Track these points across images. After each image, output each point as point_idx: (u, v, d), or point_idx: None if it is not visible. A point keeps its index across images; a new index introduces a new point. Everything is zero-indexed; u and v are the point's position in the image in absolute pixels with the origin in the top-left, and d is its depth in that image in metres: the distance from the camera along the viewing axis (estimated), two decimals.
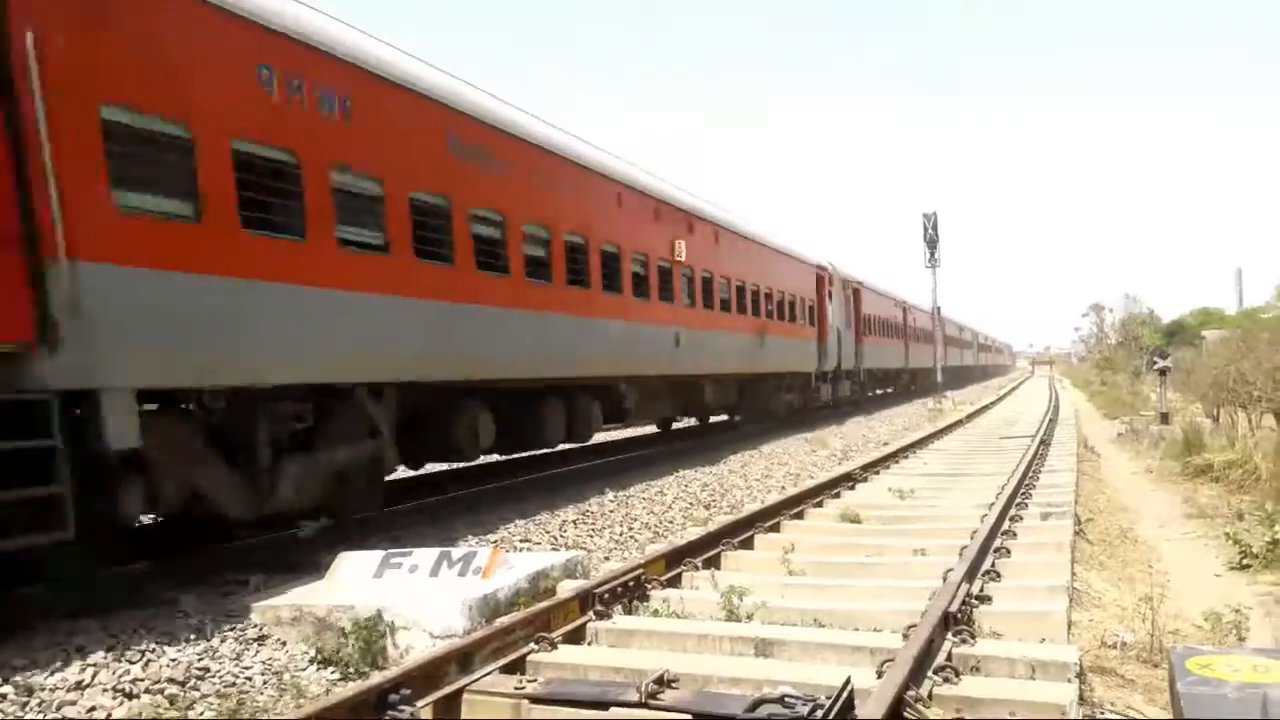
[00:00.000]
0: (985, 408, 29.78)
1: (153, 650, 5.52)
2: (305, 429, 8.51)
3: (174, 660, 5.40)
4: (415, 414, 10.07)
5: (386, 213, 8.83)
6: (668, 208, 15.99)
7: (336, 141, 8.30)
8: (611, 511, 10.38)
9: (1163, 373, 23.64)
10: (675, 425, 22.07)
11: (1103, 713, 4.52)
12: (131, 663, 5.32)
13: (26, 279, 5.69)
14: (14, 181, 5.64)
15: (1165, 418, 21.45)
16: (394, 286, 8.92)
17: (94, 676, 5.09)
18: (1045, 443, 16.14)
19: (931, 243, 38.86)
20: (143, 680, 5.11)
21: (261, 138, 7.54)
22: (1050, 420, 22.01)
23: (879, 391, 38.21)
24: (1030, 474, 11.50)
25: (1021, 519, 8.61)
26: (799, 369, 24.28)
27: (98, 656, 5.34)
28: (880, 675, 4.26)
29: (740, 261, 19.81)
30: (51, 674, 5.10)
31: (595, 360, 13.10)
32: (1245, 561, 8.20)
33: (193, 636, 5.81)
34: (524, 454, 13.43)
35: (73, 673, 5.11)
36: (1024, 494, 9.90)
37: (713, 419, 22.21)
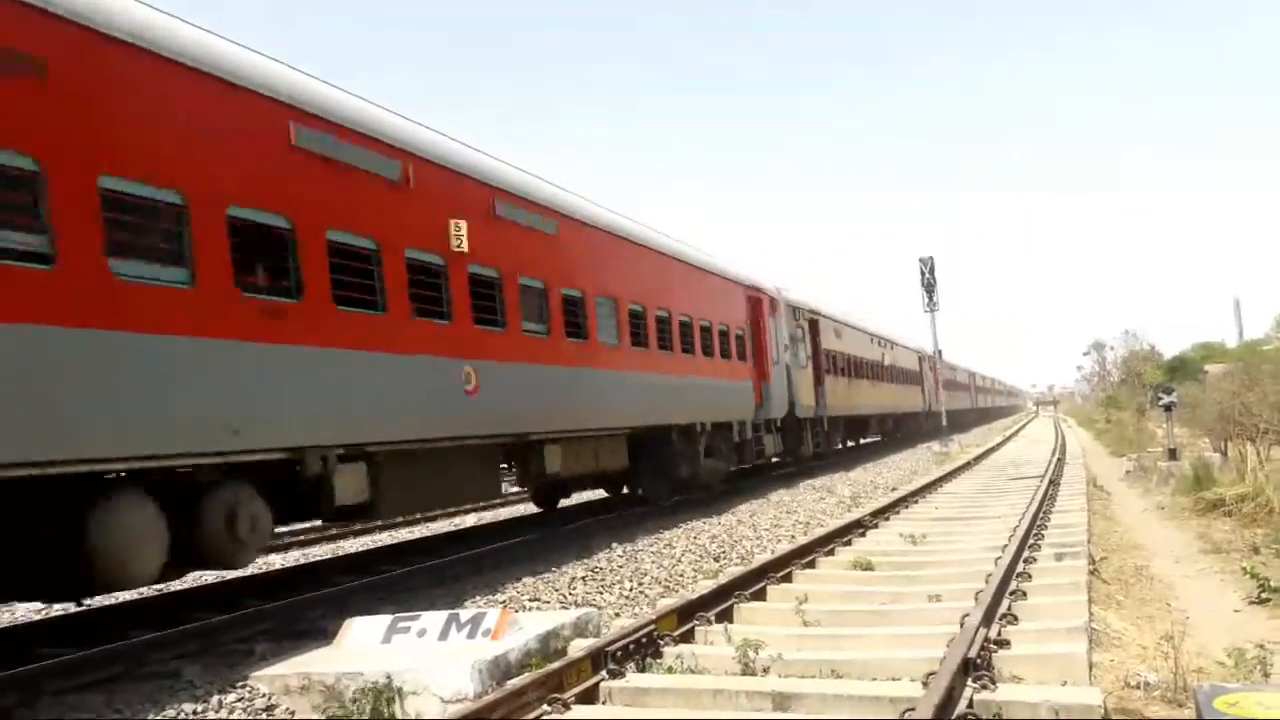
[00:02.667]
0: (992, 449, 29.65)
1: None
2: None
3: None
4: None
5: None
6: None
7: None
8: (620, 567, 10.28)
9: (1168, 408, 23.56)
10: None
11: None
12: None
13: None
14: None
15: (1173, 453, 21.32)
16: None
17: None
18: (1054, 482, 16.04)
19: (929, 287, 38.79)
20: None
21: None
22: (1058, 459, 21.90)
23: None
24: (1041, 514, 11.40)
25: (1035, 560, 8.52)
26: (725, 416, 17.94)
27: None
28: None
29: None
30: None
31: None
32: (1264, 596, 8.09)
33: (199, 710, 5.71)
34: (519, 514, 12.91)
35: None
36: (1036, 534, 9.81)
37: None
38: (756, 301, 20.62)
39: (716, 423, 17.35)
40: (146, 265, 6.91)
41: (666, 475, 15.80)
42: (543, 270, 11.97)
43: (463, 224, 10.22)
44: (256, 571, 12.90)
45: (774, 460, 22.30)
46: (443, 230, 10.04)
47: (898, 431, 40.70)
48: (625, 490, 16.71)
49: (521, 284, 11.40)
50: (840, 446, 29.95)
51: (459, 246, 10.16)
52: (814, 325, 25.66)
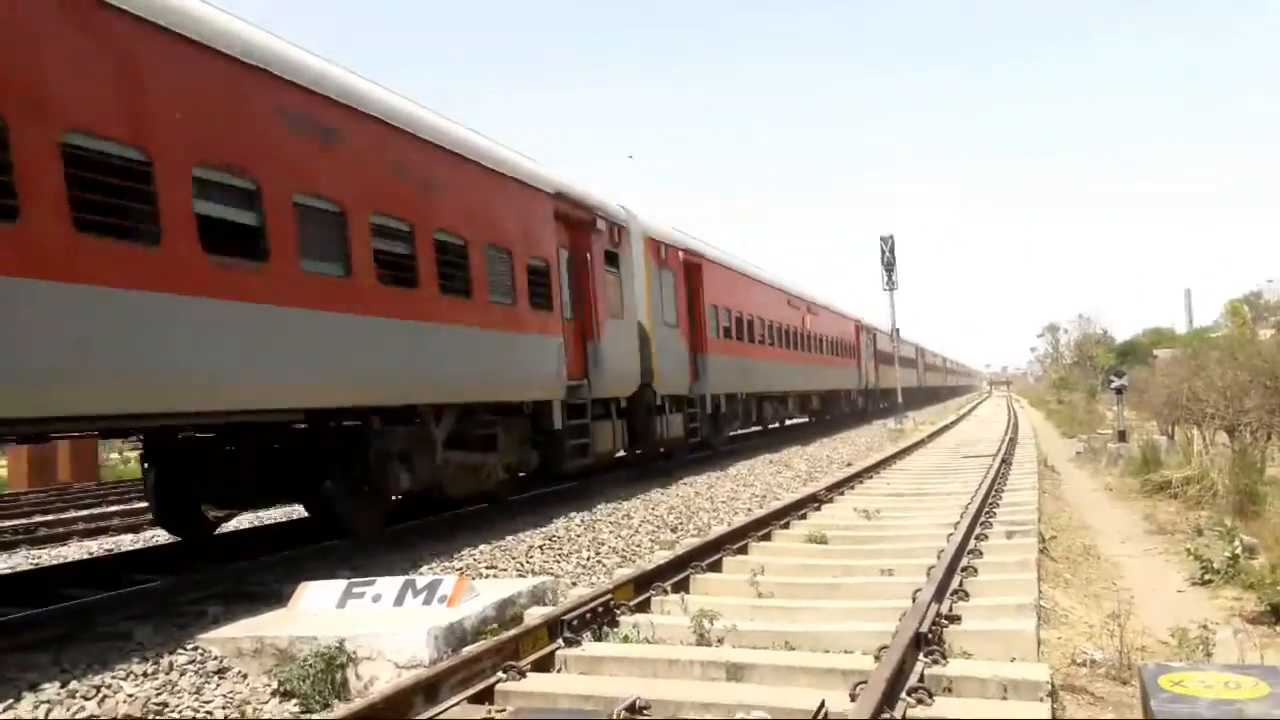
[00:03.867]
0: (945, 428, 30.02)
1: (108, 685, 5.36)
2: None
3: (131, 695, 5.24)
4: None
5: None
6: None
7: None
8: (578, 536, 10.30)
9: (1119, 391, 23.99)
10: None
11: None
12: (86, 699, 5.15)
13: None
14: None
15: (1123, 435, 21.73)
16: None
17: (47, 714, 4.93)
18: (1006, 461, 16.27)
19: (889, 265, 39.00)
20: (99, 717, 4.95)
21: None
22: (1010, 439, 22.21)
23: (759, 427, 26.35)
24: (993, 493, 11.56)
25: (987, 538, 8.65)
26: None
27: (50, 692, 5.17)
28: (854, 698, 4.23)
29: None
30: (5, 710, 4.92)
31: None
32: (1207, 577, 8.29)
33: (150, 670, 5.65)
34: None
35: (25, 710, 4.94)
36: (988, 513, 9.95)
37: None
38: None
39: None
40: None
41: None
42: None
43: None
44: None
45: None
46: None
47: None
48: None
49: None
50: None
51: None
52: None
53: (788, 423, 30.50)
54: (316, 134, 8.68)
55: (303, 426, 9.19)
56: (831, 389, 33.85)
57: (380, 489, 9.81)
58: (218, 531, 11.32)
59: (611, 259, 15.01)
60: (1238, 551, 8.34)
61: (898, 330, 43.13)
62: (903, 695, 4.35)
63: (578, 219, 13.92)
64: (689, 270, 19.21)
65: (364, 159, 9.29)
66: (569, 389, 13.03)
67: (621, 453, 15.96)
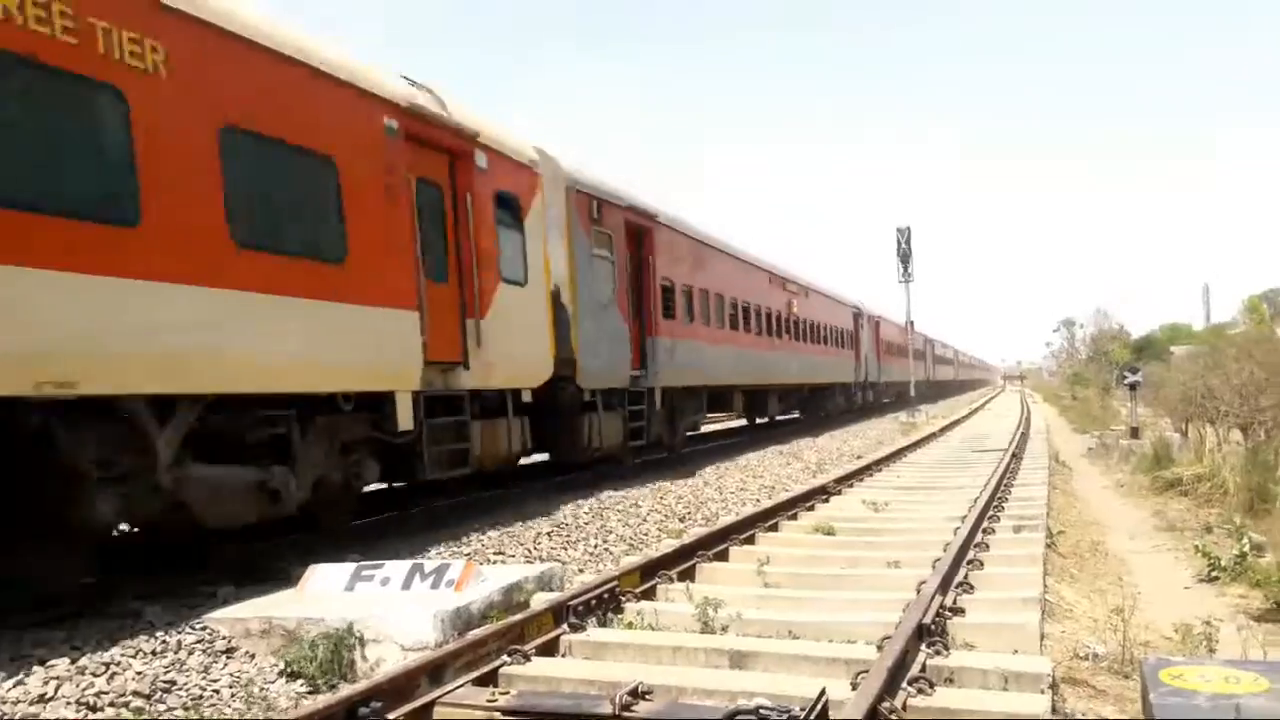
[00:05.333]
0: (957, 422, 29.96)
1: (118, 663, 5.43)
2: None
3: (139, 673, 5.30)
4: None
5: None
6: None
7: None
8: (586, 524, 10.34)
9: (1133, 387, 23.90)
10: None
11: None
12: (96, 675, 5.22)
13: None
14: None
15: (1135, 432, 21.66)
16: None
17: (57, 689, 4.99)
18: (1017, 456, 16.25)
19: (905, 257, 38.83)
20: (107, 693, 5.01)
21: None
22: (1022, 434, 22.16)
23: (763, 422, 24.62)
24: (1002, 487, 11.56)
25: (994, 531, 8.65)
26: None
27: (61, 668, 5.24)
28: (855, 687, 4.25)
29: None
30: (14, 686, 4.99)
31: None
32: (1214, 574, 8.28)
33: (159, 649, 5.71)
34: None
35: (35, 685, 5.01)
36: (996, 507, 9.96)
37: None
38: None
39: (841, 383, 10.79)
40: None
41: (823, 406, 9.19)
42: None
43: None
44: None
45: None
46: None
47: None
48: None
49: None
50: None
51: None
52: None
53: (778, 419, 27.67)
54: None
55: None
56: (823, 382, 29.88)
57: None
58: None
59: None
60: (1246, 549, 8.32)
61: (912, 323, 42.98)
62: (904, 685, 4.37)
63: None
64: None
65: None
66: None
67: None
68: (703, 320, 18.71)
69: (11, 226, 5.71)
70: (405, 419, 9.22)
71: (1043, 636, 5.49)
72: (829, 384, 30.91)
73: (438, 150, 10.07)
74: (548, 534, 9.69)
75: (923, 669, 4.62)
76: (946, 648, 4.93)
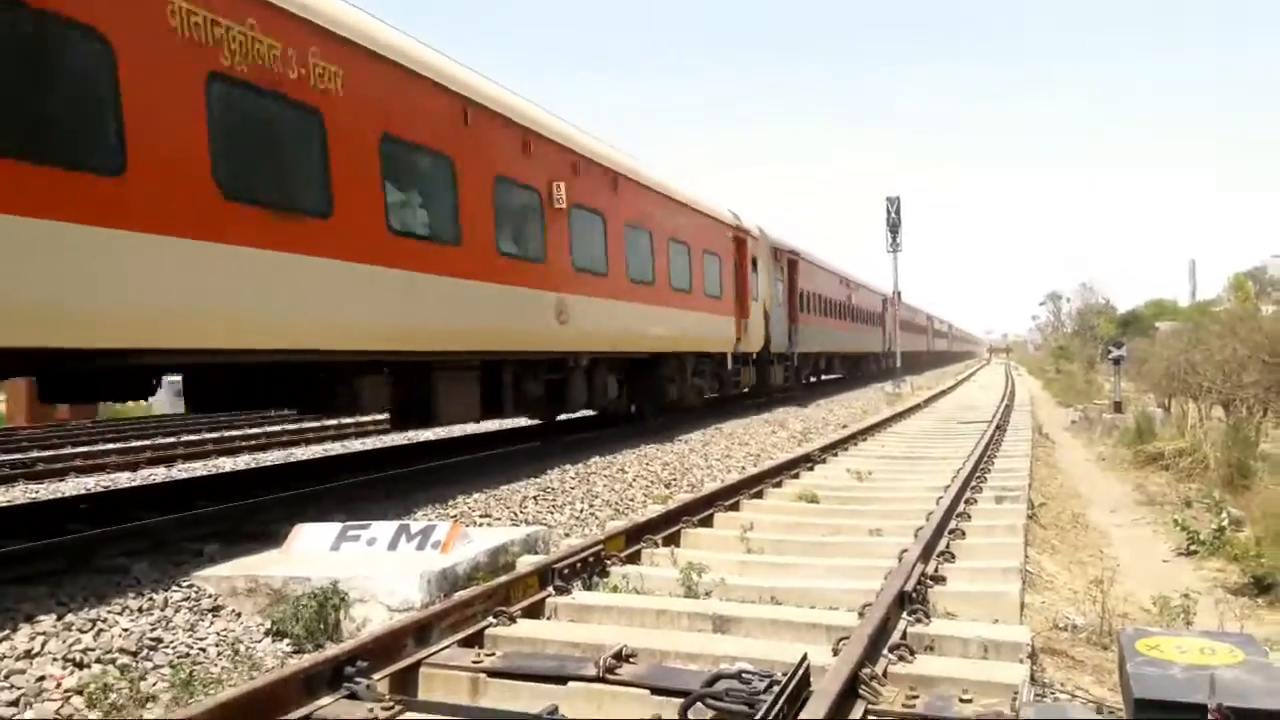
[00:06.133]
0: (943, 393, 30.10)
1: (104, 620, 5.44)
2: None
3: (126, 630, 5.32)
4: None
5: None
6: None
7: None
8: (573, 488, 10.38)
9: (1117, 362, 24.03)
10: None
11: (1054, 692, 4.60)
12: (83, 631, 5.23)
13: None
14: None
15: (1119, 406, 21.81)
16: None
17: (43, 645, 5.01)
18: (1001, 428, 16.34)
19: (894, 227, 38.76)
20: (94, 650, 5.03)
21: None
22: (1006, 407, 22.28)
23: (815, 379, 33.48)
24: (986, 458, 11.63)
25: (976, 502, 8.72)
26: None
27: (47, 624, 5.26)
28: (836, 653, 4.29)
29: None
30: (1, 641, 5.01)
31: None
32: (1192, 548, 8.38)
33: (145, 606, 5.73)
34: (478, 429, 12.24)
35: (21, 640, 5.02)
36: (979, 478, 10.02)
37: None
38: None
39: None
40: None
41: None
42: None
43: None
44: (207, 473, 12.89)
45: (745, 391, 23.03)
46: None
47: (858, 371, 40.84)
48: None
49: None
50: (806, 383, 30.51)
51: None
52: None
53: (824, 378, 35.73)
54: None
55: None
56: (865, 352, 41.40)
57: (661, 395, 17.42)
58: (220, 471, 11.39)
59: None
60: (1224, 524, 8.43)
61: (899, 293, 43.08)
62: (884, 652, 4.41)
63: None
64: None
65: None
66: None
67: (748, 389, 23.02)
68: (818, 312, 30.13)
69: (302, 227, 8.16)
70: (728, 364, 20.90)
71: (1023, 606, 5.56)
72: (868, 353, 42.31)
73: (739, 240, 21.11)
74: (534, 498, 9.73)
75: (904, 636, 4.67)
76: (928, 616, 4.97)
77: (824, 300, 30.85)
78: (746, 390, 23.05)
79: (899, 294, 43.18)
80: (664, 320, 16.22)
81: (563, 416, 14.81)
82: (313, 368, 8.93)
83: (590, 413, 15.99)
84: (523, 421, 16.16)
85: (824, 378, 35.48)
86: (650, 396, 16.95)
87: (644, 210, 15.52)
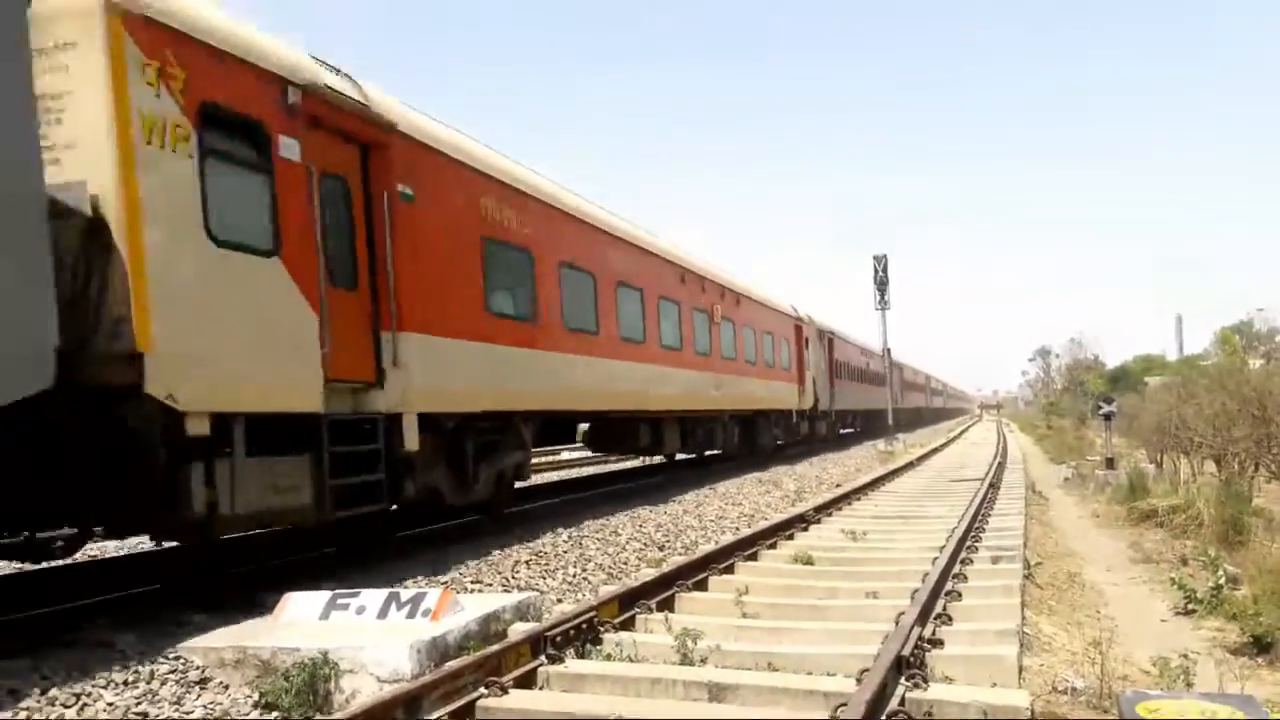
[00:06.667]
0: (935, 450, 30.07)
1: (88, 694, 5.34)
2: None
3: (111, 704, 5.23)
4: None
5: None
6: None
7: None
8: (565, 552, 10.29)
9: (1108, 418, 24.04)
10: None
11: None
12: (66, 707, 5.14)
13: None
14: None
15: (1111, 462, 21.78)
16: None
17: None
18: (994, 486, 16.30)
19: (882, 285, 39.06)
20: None
21: None
22: (999, 463, 22.26)
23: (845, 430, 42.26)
24: (980, 517, 11.59)
25: (972, 562, 8.66)
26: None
27: (31, 700, 5.16)
28: None
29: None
30: None
31: None
32: (1190, 606, 8.31)
33: (131, 679, 5.63)
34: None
35: (4, 717, 4.92)
36: (974, 537, 9.97)
37: None
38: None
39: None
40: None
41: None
42: None
43: None
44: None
45: (798, 440, 29.89)
46: None
47: (871, 425, 46.60)
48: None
49: None
50: (837, 435, 38.14)
51: None
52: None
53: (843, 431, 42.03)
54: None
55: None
56: (880, 408, 44.52)
57: (756, 440, 25.55)
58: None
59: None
60: (1221, 582, 8.37)
61: (889, 350, 43.20)
62: (882, 718, 4.36)
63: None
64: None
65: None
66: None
67: (800, 438, 30.02)
68: (847, 378, 37.90)
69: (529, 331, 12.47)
70: (794, 418, 28.99)
71: (1021, 669, 5.50)
72: (881, 409, 45.92)
73: (798, 326, 29.33)
74: (526, 562, 9.64)
75: (902, 702, 4.62)
76: (925, 680, 4.92)
77: (850, 368, 38.18)
78: (799, 439, 30.01)
79: (889, 350, 43.30)
80: (762, 388, 24.30)
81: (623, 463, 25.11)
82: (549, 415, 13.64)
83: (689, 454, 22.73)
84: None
85: (843, 430, 41.88)
86: (753, 440, 24.62)
87: (752, 316, 23.99)
